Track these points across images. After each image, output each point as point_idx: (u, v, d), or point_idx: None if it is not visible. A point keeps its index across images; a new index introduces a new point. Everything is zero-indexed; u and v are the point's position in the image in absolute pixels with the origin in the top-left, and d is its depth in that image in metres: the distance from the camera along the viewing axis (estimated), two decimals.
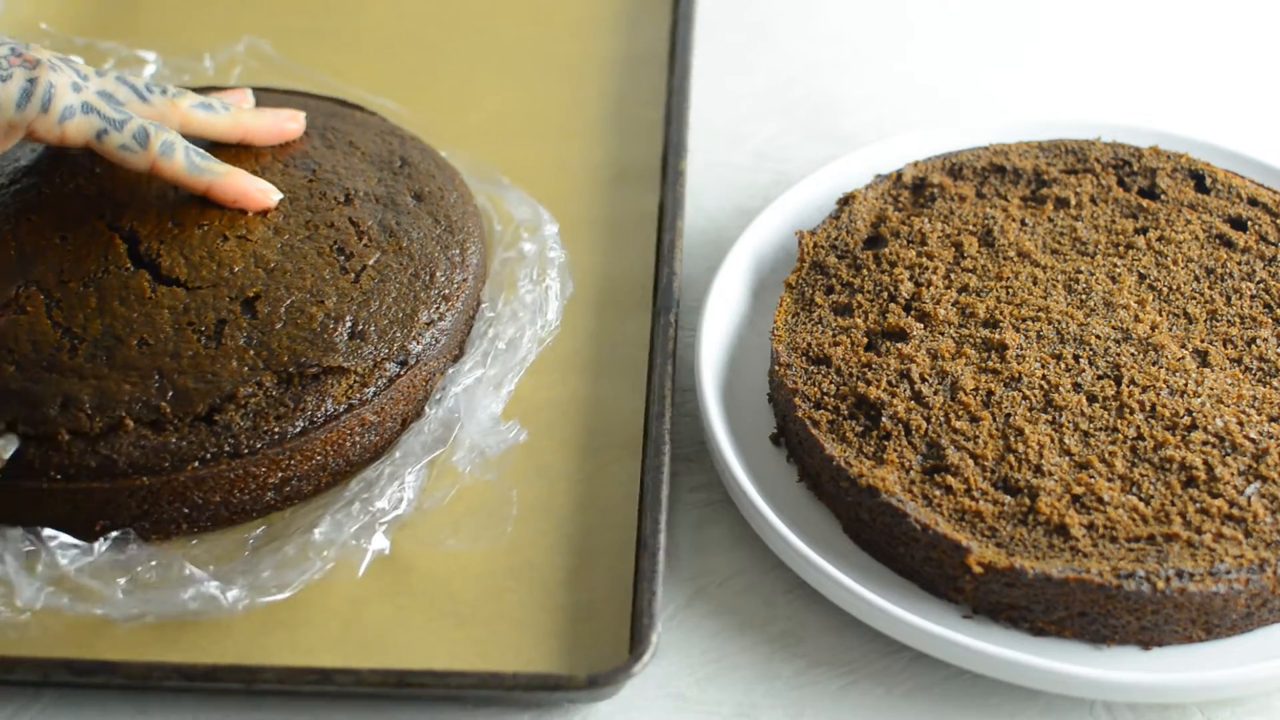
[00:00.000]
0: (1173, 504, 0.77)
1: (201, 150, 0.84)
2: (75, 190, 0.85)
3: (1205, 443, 0.79)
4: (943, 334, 0.85)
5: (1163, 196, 0.92)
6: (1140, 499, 0.77)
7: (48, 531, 0.77)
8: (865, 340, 0.85)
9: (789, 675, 0.77)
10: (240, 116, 0.88)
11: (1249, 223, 0.90)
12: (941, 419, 0.81)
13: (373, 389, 0.82)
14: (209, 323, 0.81)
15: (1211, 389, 0.81)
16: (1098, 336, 0.84)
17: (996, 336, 0.84)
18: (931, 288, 0.87)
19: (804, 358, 0.84)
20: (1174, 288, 0.87)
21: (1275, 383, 0.82)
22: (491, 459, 0.82)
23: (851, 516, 0.80)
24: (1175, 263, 0.88)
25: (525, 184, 0.95)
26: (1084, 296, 0.86)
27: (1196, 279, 0.87)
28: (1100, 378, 0.82)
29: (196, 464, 0.78)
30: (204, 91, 0.90)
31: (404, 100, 1.00)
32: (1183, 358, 0.83)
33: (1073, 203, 0.92)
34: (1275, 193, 0.92)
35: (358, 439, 0.82)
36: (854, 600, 0.76)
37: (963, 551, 0.75)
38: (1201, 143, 0.95)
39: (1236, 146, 0.95)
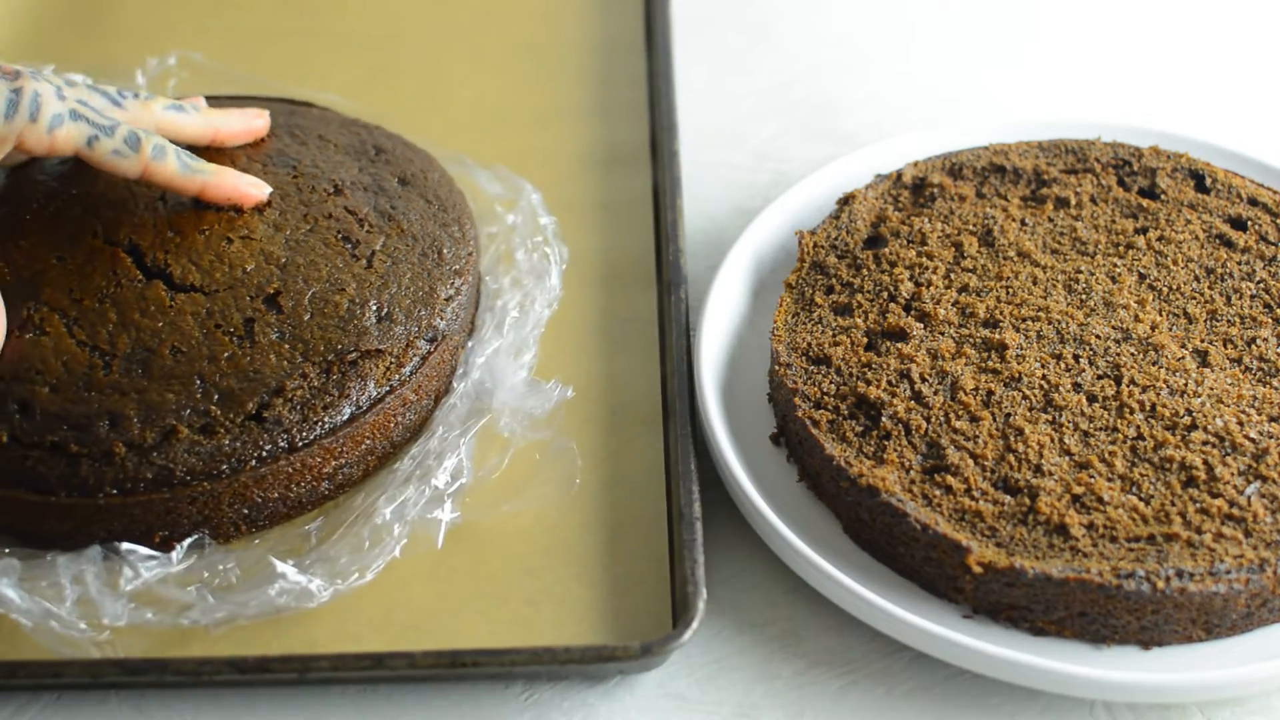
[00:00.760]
0: (1173, 504, 0.77)
1: (188, 152, 0.84)
2: (57, 212, 0.85)
3: (1205, 443, 0.79)
4: (943, 334, 0.85)
5: (1163, 196, 0.92)
6: (1140, 499, 0.77)
7: (125, 545, 0.77)
8: (865, 340, 0.85)
9: (789, 675, 0.77)
10: (211, 116, 0.87)
11: (1249, 223, 0.90)
12: (941, 419, 0.81)
13: (409, 368, 0.82)
14: (236, 323, 0.81)
15: (1211, 389, 0.81)
16: (1098, 336, 0.84)
17: (996, 336, 0.84)
18: (931, 288, 0.87)
19: (804, 358, 0.85)
20: (1174, 288, 0.87)
21: (1275, 383, 0.82)
22: (540, 418, 0.83)
23: (851, 516, 0.80)
24: (1175, 263, 0.88)
25: (519, 171, 0.96)
26: (1084, 296, 0.86)
27: (1196, 279, 0.87)
28: (1100, 377, 0.82)
29: (254, 463, 0.78)
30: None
31: (372, 95, 1.01)
32: (1183, 358, 0.83)
33: (1073, 203, 0.92)
34: (1275, 193, 0.92)
35: (399, 419, 0.82)
36: (854, 600, 0.76)
37: (963, 551, 0.75)
38: (1201, 143, 0.95)
39: (1236, 146, 0.95)
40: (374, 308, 0.83)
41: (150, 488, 0.77)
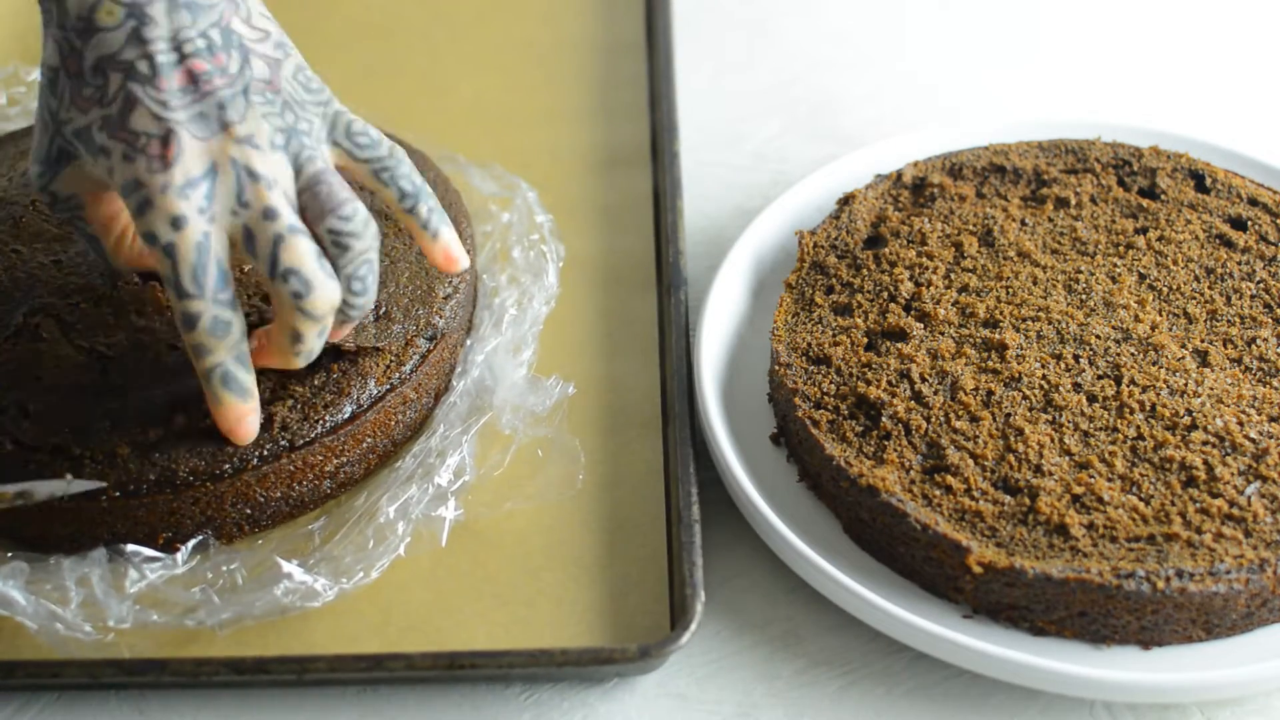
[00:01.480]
0: (1173, 504, 0.77)
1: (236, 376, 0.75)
2: (49, 216, 0.85)
3: (1205, 443, 0.79)
4: (943, 334, 0.85)
5: (1163, 196, 0.92)
6: (1140, 499, 0.77)
7: (130, 547, 0.77)
8: (865, 340, 0.85)
9: (789, 675, 0.77)
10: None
11: (1249, 223, 0.90)
12: (941, 419, 0.81)
13: (409, 366, 0.82)
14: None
15: (1211, 389, 0.81)
16: (1098, 336, 0.84)
17: (996, 336, 0.84)
18: (931, 288, 0.87)
19: (804, 358, 0.84)
20: (1174, 288, 0.87)
21: (1275, 383, 0.82)
22: (542, 415, 0.83)
23: (851, 516, 0.80)
24: (1175, 263, 0.88)
25: (518, 172, 0.96)
26: (1084, 296, 0.86)
27: (1196, 279, 0.87)
28: (1100, 378, 0.82)
29: (256, 462, 0.78)
30: None
31: (369, 94, 1.01)
32: (1183, 358, 0.83)
33: (1073, 203, 0.92)
34: (1275, 193, 0.92)
35: (400, 418, 0.82)
36: (854, 600, 0.76)
37: (963, 551, 0.75)
38: (1201, 143, 0.95)
39: (1236, 146, 0.95)
40: (372, 306, 0.83)
41: (153, 489, 0.77)
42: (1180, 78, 1.10)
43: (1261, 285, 0.86)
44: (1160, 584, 0.74)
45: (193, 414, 0.78)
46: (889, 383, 0.82)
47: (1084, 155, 0.94)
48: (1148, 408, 0.80)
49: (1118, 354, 0.83)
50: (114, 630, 0.75)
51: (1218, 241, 0.89)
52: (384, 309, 0.83)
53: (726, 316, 0.89)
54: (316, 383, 0.80)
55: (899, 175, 0.94)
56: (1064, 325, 0.84)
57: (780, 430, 0.84)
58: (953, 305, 0.86)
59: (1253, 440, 0.79)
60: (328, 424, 0.80)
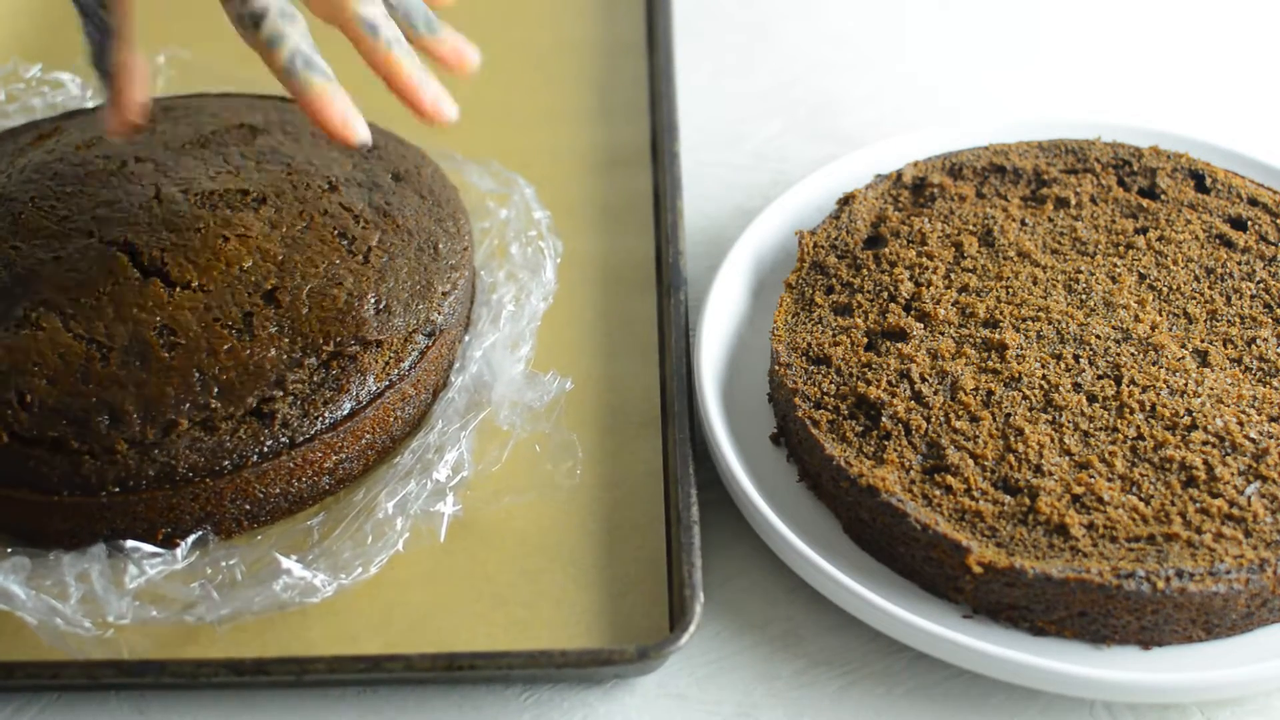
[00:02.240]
0: (1173, 504, 0.77)
1: (311, 57, 0.76)
2: (50, 211, 0.85)
3: (1205, 443, 0.79)
4: (943, 334, 0.85)
5: (1163, 196, 0.92)
6: (1140, 499, 0.77)
7: (130, 543, 0.77)
8: (865, 340, 0.85)
9: (789, 675, 0.77)
10: (390, 67, 0.78)
11: (1249, 223, 0.90)
12: (941, 419, 0.81)
13: (408, 362, 0.82)
14: (235, 317, 0.81)
15: (1211, 389, 0.81)
16: (1098, 336, 0.84)
17: (996, 336, 0.84)
18: (931, 288, 0.87)
19: (804, 358, 0.84)
20: (1174, 288, 0.87)
21: (1275, 383, 0.82)
22: (540, 410, 0.83)
23: (851, 516, 0.80)
24: (1175, 263, 0.88)
25: (517, 170, 0.96)
26: (1084, 296, 0.86)
27: (1196, 279, 0.87)
28: (1100, 378, 0.82)
29: (256, 458, 0.78)
30: None
31: (368, 94, 1.01)
32: (1183, 358, 0.83)
33: (1073, 203, 0.92)
34: (1275, 193, 0.92)
35: (399, 414, 0.83)
36: (854, 600, 0.76)
37: (963, 551, 0.75)
38: (1201, 143, 0.95)
39: (1236, 146, 0.95)
40: (372, 300, 0.83)
41: (153, 485, 0.77)
42: (1180, 78, 1.10)
43: (1261, 285, 0.86)
44: (1160, 584, 0.74)
45: (193, 410, 0.78)
46: (889, 383, 0.82)
47: (1084, 155, 0.94)
48: (1148, 408, 0.80)
49: (1118, 354, 0.83)
50: (113, 626, 0.75)
51: (1218, 241, 0.89)
52: (383, 303, 0.83)
53: (726, 316, 0.89)
54: (316, 379, 0.80)
55: (899, 175, 0.94)
56: (1064, 325, 0.84)
57: (780, 430, 0.84)
58: (953, 305, 0.86)
59: (1253, 440, 0.79)
60: (327, 420, 0.80)
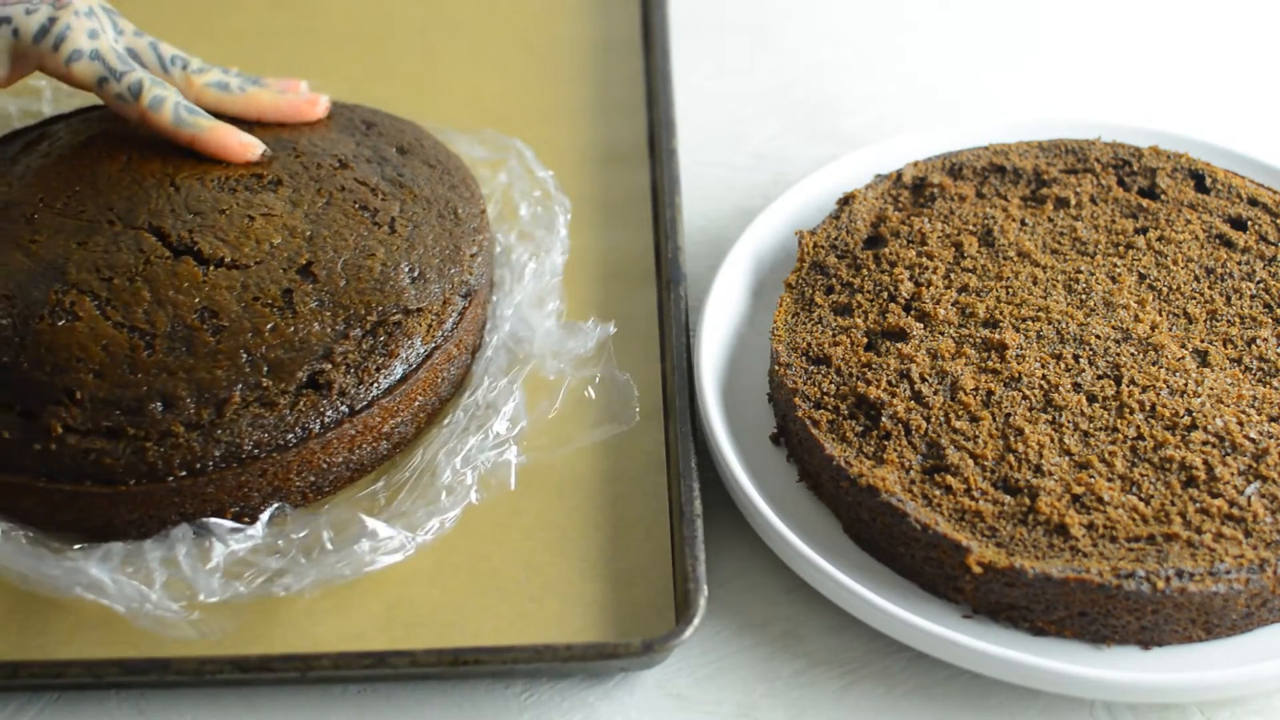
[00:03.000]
0: (1173, 504, 0.77)
1: (191, 106, 0.88)
2: (65, 206, 0.85)
3: (1205, 443, 0.79)
4: (943, 334, 0.85)
5: (1163, 196, 0.92)
6: (1140, 499, 0.77)
7: (213, 520, 0.78)
8: (865, 340, 0.85)
9: (789, 675, 0.77)
10: (257, 97, 0.91)
11: (1249, 223, 0.90)
12: (941, 419, 0.81)
13: (450, 323, 0.84)
14: (274, 295, 0.81)
15: (1211, 389, 0.81)
16: (1098, 336, 0.84)
17: (996, 336, 0.84)
18: (931, 288, 0.87)
19: (804, 358, 0.85)
20: (1174, 288, 0.87)
21: (1275, 383, 0.82)
22: (588, 356, 0.86)
23: (851, 516, 0.80)
24: (1175, 263, 0.88)
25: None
26: (1084, 296, 0.86)
27: (1196, 279, 0.87)
28: (1100, 378, 0.82)
29: (318, 429, 0.79)
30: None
31: (368, 93, 1.01)
32: (1183, 358, 0.83)
33: (1073, 203, 0.92)
34: (1275, 193, 0.92)
35: (445, 374, 0.84)
36: (854, 600, 0.76)
37: (963, 551, 0.75)
38: (1201, 143, 0.95)
39: (1236, 146, 0.95)
40: (406, 269, 0.84)
41: (221, 465, 0.77)
42: (1180, 78, 1.10)
43: (1261, 285, 0.86)
44: (1160, 584, 0.74)
45: (246, 391, 0.78)
46: (889, 383, 0.82)
47: (1084, 155, 0.94)
48: (1148, 408, 0.80)
49: (1118, 354, 0.83)
50: (199, 607, 0.75)
51: (1218, 241, 0.89)
52: (417, 271, 0.84)
53: (727, 316, 0.89)
54: (366, 347, 0.81)
55: (899, 175, 0.94)
56: (1064, 325, 0.84)
57: (780, 430, 0.84)
58: (953, 305, 0.86)
59: (1253, 440, 0.79)
60: (382, 385, 0.81)
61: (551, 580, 0.79)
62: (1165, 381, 0.81)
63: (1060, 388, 0.81)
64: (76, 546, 0.78)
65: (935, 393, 0.82)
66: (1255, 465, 0.78)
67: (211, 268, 0.82)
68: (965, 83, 1.10)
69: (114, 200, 0.85)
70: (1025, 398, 0.81)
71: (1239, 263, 0.88)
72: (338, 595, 0.78)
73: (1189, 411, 0.80)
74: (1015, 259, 0.88)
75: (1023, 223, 0.91)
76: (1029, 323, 0.85)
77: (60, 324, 0.80)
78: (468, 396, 0.84)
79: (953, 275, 0.88)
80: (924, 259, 0.89)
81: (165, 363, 0.79)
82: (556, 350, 0.86)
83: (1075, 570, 0.74)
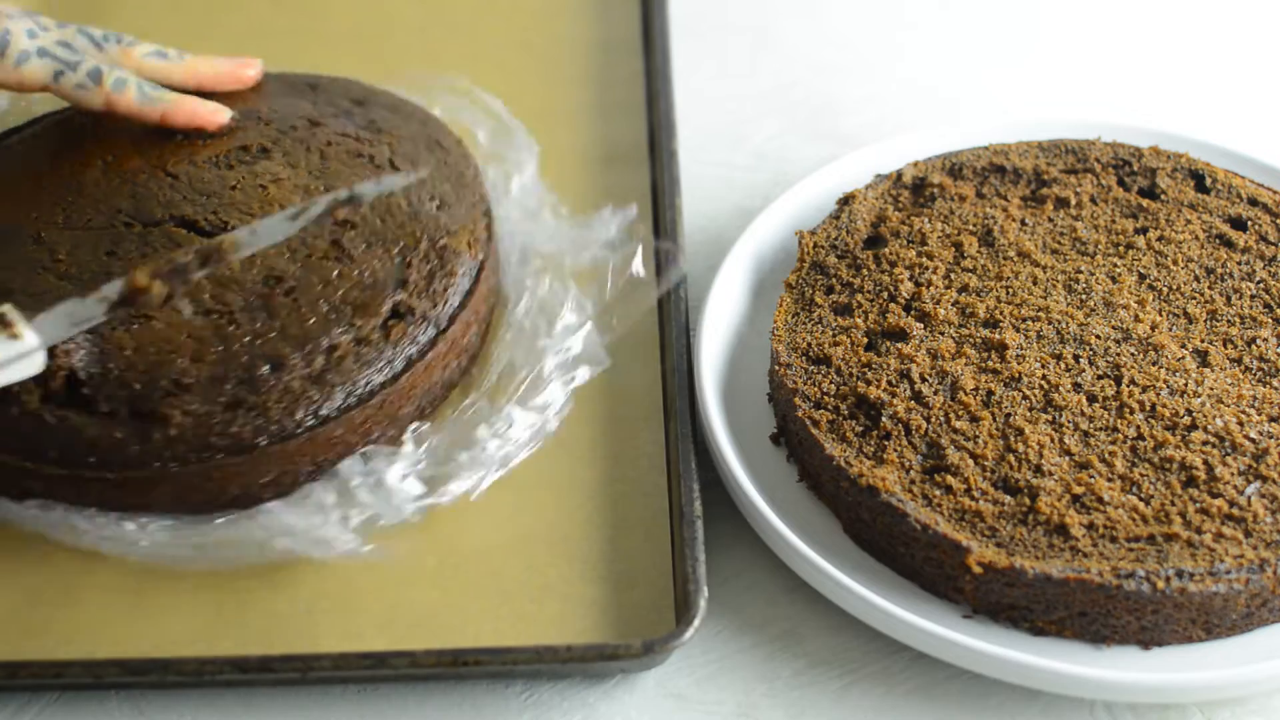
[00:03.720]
0: (1173, 504, 0.77)
1: (153, 84, 0.88)
2: (68, 222, 0.84)
3: (1205, 443, 0.79)
4: (943, 334, 0.85)
5: (1163, 196, 0.92)
6: (1140, 499, 0.77)
7: (370, 448, 0.80)
8: (865, 340, 0.85)
9: (789, 675, 0.77)
10: (195, 64, 0.90)
11: (1249, 223, 0.90)
12: (941, 419, 0.81)
13: (484, 237, 0.86)
14: (323, 249, 0.83)
15: (1211, 389, 0.81)
16: (1098, 336, 0.84)
17: (996, 336, 0.84)
18: (931, 288, 0.87)
19: (804, 358, 0.85)
20: (1174, 288, 0.87)
21: (1275, 383, 0.82)
22: (624, 236, 0.88)
23: (851, 516, 0.80)
24: (1175, 263, 0.88)
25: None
26: (1084, 296, 0.86)
27: (1196, 279, 0.87)
28: (1100, 378, 0.82)
29: (416, 353, 0.81)
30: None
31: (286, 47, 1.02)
32: (1183, 358, 0.83)
33: (1073, 203, 0.92)
34: (1275, 193, 0.92)
35: (491, 284, 0.86)
36: (854, 600, 0.76)
37: (963, 551, 0.75)
38: (1201, 143, 0.95)
39: (1236, 146, 0.95)
40: (428, 198, 0.86)
41: (344, 409, 0.79)
42: (1180, 78, 1.10)
43: (1261, 285, 0.86)
44: (1160, 584, 0.74)
45: (341, 334, 0.80)
46: (889, 383, 0.82)
47: (1084, 155, 0.94)
48: (1148, 408, 0.80)
49: (1118, 354, 0.83)
50: (372, 537, 0.77)
51: (1218, 241, 0.89)
52: (438, 200, 0.86)
53: (727, 316, 0.89)
54: (426, 271, 0.83)
55: (899, 175, 0.94)
56: (1064, 325, 0.84)
57: (780, 430, 0.84)
58: (953, 305, 0.86)
59: (1253, 440, 0.79)
60: (455, 302, 0.83)
61: (552, 581, 0.79)
62: (1165, 381, 0.81)
63: (1060, 388, 0.81)
64: (218, 520, 0.79)
65: (935, 393, 0.82)
66: (1255, 465, 0.78)
67: None
68: (965, 83, 1.10)
69: (118, 203, 0.84)
70: (1025, 398, 0.81)
71: (1239, 263, 0.88)
72: (338, 595, 0.78)
73: (1189, 411, 0.80)
74: (1015, 259, 0.88)
75: (1023, 223, 0.91)
76: (1029, 323, 0.85)
77: (135, 328, 0.79)
78: (513, 308, 0.86)
79: (953, 275, 0.88)
80: (924, 259, 0.89)
81: (255, 330, 0.80)
82: (583, 242, 0.88)
83: (1075, 570, 0.74)
